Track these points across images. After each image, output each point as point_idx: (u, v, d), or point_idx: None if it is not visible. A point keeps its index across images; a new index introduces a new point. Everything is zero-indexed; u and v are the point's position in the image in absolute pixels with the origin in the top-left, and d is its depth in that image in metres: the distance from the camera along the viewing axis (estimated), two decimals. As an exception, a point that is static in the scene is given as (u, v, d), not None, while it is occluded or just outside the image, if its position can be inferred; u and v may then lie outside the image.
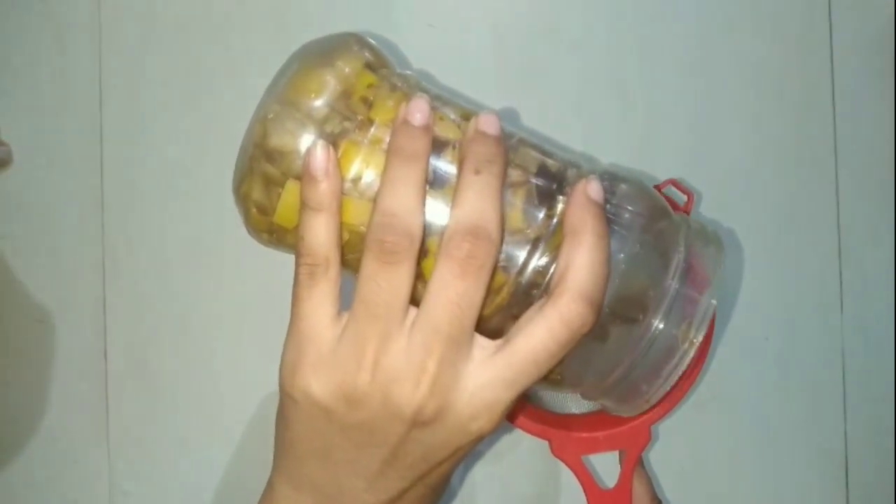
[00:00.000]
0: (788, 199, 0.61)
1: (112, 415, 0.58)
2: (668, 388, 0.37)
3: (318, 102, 0.37)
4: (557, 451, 0.54)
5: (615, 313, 0.37)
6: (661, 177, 0.55)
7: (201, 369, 0.59)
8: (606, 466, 0.56)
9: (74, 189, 0.59)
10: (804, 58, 0.61)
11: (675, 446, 0.60)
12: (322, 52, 0.39)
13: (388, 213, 0.35)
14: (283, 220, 0.38)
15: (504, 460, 0.60)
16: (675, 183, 0.53)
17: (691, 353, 0.36)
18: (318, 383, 0.36)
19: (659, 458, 0.60)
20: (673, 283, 0.36)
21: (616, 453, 0.54)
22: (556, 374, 0.37)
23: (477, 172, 0.36)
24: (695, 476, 0.60)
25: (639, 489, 0.54)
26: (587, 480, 0.54)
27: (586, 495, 0.54)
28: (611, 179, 0.39)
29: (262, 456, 0.57)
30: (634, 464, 0.53)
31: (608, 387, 0.38)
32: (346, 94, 0.38)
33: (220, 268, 0.59)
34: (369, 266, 0.36)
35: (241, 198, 0.39)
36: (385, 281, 0.35)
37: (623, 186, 0.39)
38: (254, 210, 0.39)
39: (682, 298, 0.36)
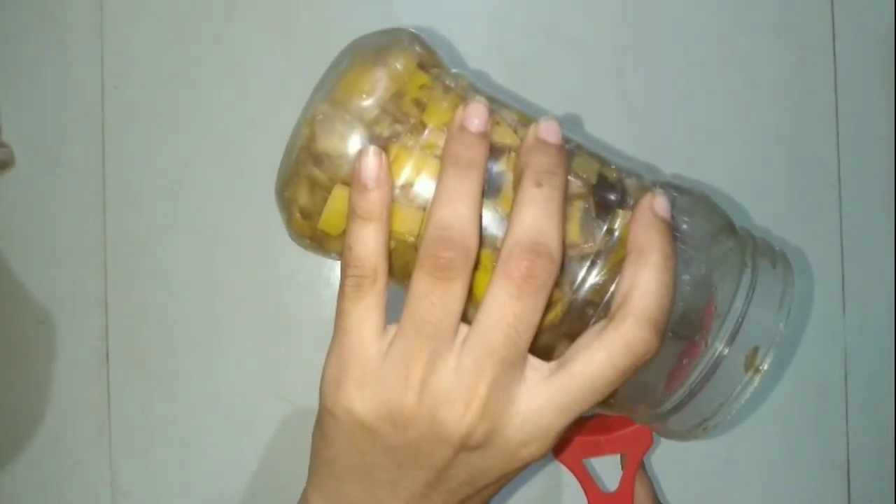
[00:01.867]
0: (790, 200, 0.58)
1: (113, 416, 0.54)
2: (729, 417, 0.32)
3: (369, 103, 0.32)
4: (559, 455, 0.51)
5: (677, 336, 0.32)
6: (662, 178, 0.52)
7: (203, 371, 0.55)
8: (608, 469, 0.53)
9: (76, 190, 0.55)
10: (806, 58, 0.58)
11: (676, 449, 0.56)
12: (374, 50, 0.34)
13: (443, 227, 0.30)
14: (328, 226, 0.33)
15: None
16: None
17: (756, 381, 0.32)
18: (362, 401, 0.32)
19: (661, 461, 0.56)
20: (739, 307, 0.31)
21: (618, 456, 0.50)
22: (610, 398, 0.32)
23: (538, 185, 0.31)
24: (696, 479, 0.57)
25: (640, 492, 0.52)
26: (589, 484, 0.51)
27: (588, 499, 0.51)
28: (674, 191, 0.34)
29: (263, 457, 0.53)
30: (636, 467, 0.51)
31: (663, 413, 0.33)
32: (398, 95, 0.33)
33: (221, 269, 0.55)
34: (421, 281, 0.31)
35: (285, 202, 0.34)
36: (437, 298, 0.31)
37: (687, 199, 0.34)
38: (297, 215, 0.34)
39: (749, 323, 0.31)
